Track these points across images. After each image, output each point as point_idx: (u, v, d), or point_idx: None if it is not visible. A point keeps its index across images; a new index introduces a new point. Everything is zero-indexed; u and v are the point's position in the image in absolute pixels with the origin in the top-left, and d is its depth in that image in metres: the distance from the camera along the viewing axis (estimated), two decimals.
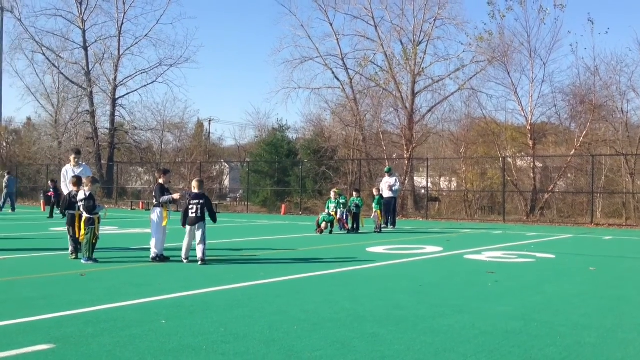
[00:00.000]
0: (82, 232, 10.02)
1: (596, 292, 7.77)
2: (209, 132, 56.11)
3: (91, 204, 10.07)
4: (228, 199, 46.70)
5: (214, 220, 10.63)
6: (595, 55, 33.34)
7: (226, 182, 53.22)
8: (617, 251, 13.64)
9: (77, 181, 10.82)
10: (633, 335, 5.41)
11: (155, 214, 10.45)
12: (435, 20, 32.30)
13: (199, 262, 9.85)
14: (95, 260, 9.95)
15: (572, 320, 6.03)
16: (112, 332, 5.27)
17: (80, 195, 10.26)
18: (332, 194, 18.05)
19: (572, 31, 50.31)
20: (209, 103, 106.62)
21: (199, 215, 10.11)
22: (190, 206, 10.19)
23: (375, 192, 19.20)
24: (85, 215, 10.07)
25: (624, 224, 24.24)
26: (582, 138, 28.68)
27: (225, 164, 52.03)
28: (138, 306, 6.47)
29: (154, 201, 10.57)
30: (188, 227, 10.13)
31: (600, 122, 29.85)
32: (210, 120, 56.23)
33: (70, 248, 10.70)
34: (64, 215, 11.08)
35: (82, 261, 9.97)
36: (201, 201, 10.21)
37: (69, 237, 10.72)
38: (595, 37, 50.03)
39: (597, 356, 4.75)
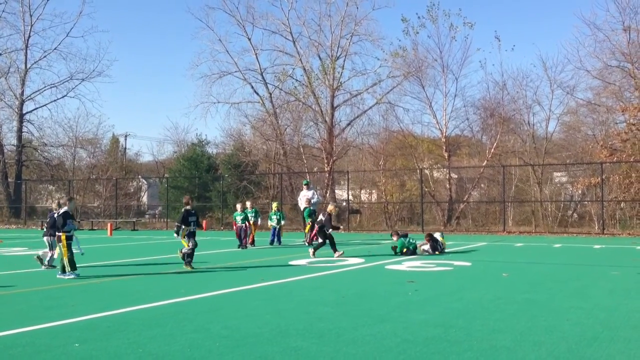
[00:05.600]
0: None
1: (510, 297, 8.08)
2: (125, 148, 54.38)
3: (61, 222, 10.32)
4: (147, 216, 45.40)
5: None
6: (503, 70, 35.39)
7: (144, 199, 51.74)
8: (527, 257, 14.29)
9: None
10: (545, 338, 5.65)
11: None
12: (352, 36, 33.00)
13: None
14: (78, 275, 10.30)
15: (488, 325, 6.23)
16: (21, 359, 4.96)
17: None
18: (275, 206, 18.99)
19: (481, 48, 52.66)
20: (124, 118, 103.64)
21: None
22: None
23: (304, 204, 19.17)
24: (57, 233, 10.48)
25: (534, 231, 25.47)
26: (493, 150, 30.01)
27: (143, 180, 50.62)
28: (49, 330, 6.13)
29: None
30: None
31: (509, 134, 31.39)
32: (126, 136, 54.48)
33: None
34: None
35: (57, 275, 10.32)
36: None
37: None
38: (502, 53, 52.74)
39: (512, 359, 4.92)
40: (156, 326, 6.25)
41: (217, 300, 8.04)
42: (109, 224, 28.69)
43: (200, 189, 36.46)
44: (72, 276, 10.19)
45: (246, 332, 5.95)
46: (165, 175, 42.49)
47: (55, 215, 10.72)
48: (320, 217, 14.68)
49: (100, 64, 63.34)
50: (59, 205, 10.99)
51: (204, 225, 27.28)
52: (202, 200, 35.12)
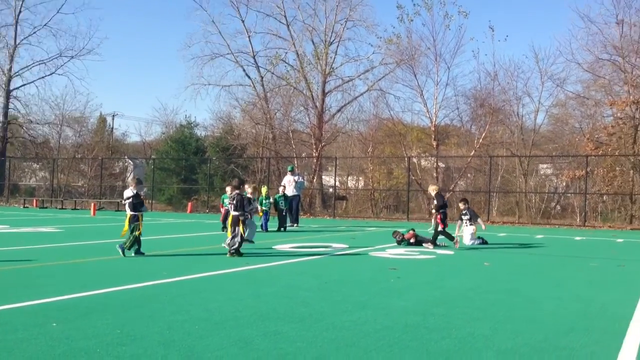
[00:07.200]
0: (126, 227, 10.58)
1: (490, 286, 8.14)
2: (112, 128, 53.97)
3: (138, 202, 10.61)
4: None
5: None
6: (495, 61, 35.49)
7: (130, 180, 51.39)
8: (509, 247, 14.39)
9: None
10: (523, 327, 5.70)
11: None
12: (346, 21, 32.86)
13: None
14: (143, 254, 10.63)
15: (467, 313, 6.27)
16: None
17: (128, 194, 10.74)
18: (264, 191, 18.51)
19: (474, 37, 52.58)
20: (112, 97, 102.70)
21: None
22: None
23: (281, 190, 19.18)
24: (129, 212, 10.57)
25: (517, 221, 25.66)
26: (481, 140, 30.09)
27: (129, 161, 50.31)
28: (26, 309, 6.08)
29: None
30: None
31: (498, 125, 31.50)
32: (113, 115, 54.11)
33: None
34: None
35: (118, 249, 10.46)
36: None
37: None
38: (495, 43, 52.66)
39: (489, 346, 4.95)
40: (135, 307, 6.22)
41: (199, 283, 8.02)
42: (92, 204, 28.53)
43: (187, 171, 36.31)
44: (133, 254, 10.55)
45: (226, 315, 5.95)
46: (152, 156, 42.22)
47: (129, 195, 10.67)
48: (437, 202, 13.92)
49: (90, 42, 62.92)
50: (137, 183, 10.89)
51: (189, 207, 27.20)
52: (188, 183, 35.00)
